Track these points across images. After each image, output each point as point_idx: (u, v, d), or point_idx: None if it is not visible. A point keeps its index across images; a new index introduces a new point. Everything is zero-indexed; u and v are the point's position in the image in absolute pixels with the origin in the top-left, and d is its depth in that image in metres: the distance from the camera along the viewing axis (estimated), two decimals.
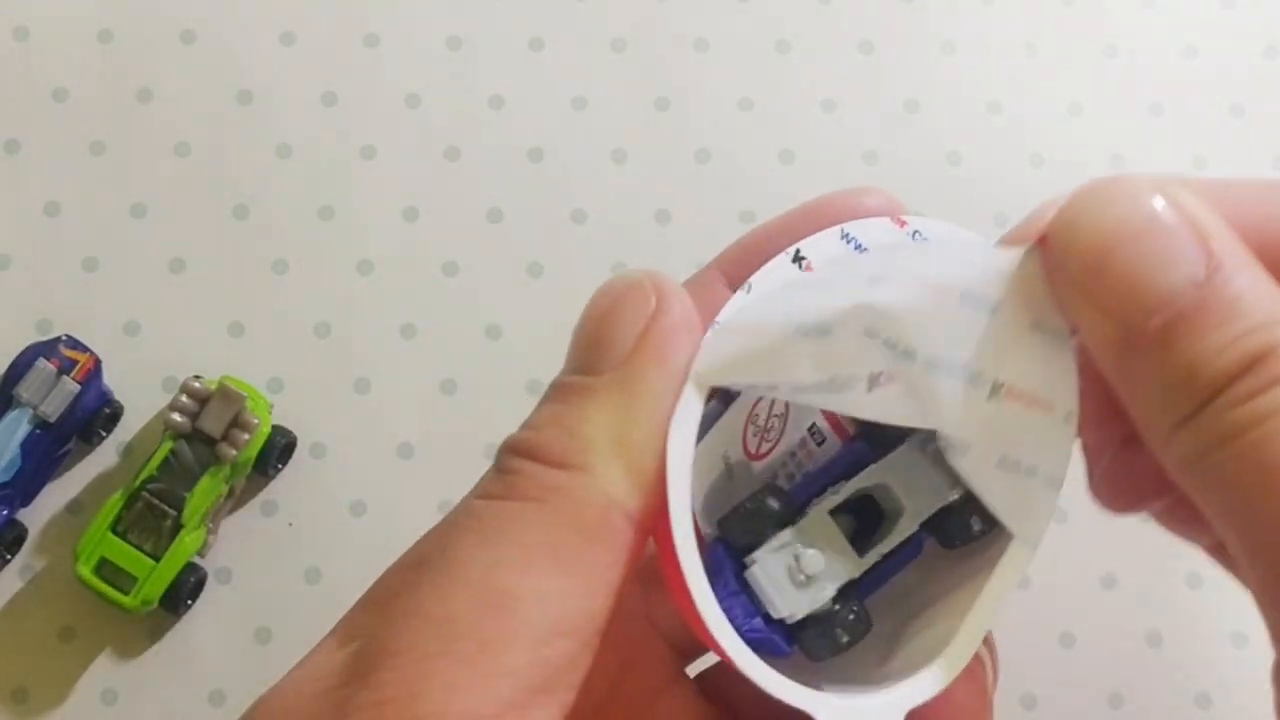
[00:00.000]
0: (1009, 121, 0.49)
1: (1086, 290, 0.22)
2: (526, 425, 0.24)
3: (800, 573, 0.24)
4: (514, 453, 0.23)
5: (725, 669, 0.24)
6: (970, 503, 0.26)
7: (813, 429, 0.26)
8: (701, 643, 0.23)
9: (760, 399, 0.25)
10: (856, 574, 0.25)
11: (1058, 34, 0.50)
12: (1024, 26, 0.50)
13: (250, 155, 0.47)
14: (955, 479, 0.25)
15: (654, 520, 0.23)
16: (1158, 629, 0.44)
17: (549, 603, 0.21)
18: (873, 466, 0.25)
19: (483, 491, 0.23)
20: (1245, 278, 0.21)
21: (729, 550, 0.24)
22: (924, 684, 0.24)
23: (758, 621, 0.24)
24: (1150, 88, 0.50)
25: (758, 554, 0.24)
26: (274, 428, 0.43)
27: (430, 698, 0.20)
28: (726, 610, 0.24)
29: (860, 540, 0.25)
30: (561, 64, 0.48)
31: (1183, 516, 0.28)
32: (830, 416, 0.26)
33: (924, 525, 0.26)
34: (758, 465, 0.25)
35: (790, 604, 0.24)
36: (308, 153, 0.47)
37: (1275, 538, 0.21)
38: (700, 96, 0.48)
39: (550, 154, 0.47)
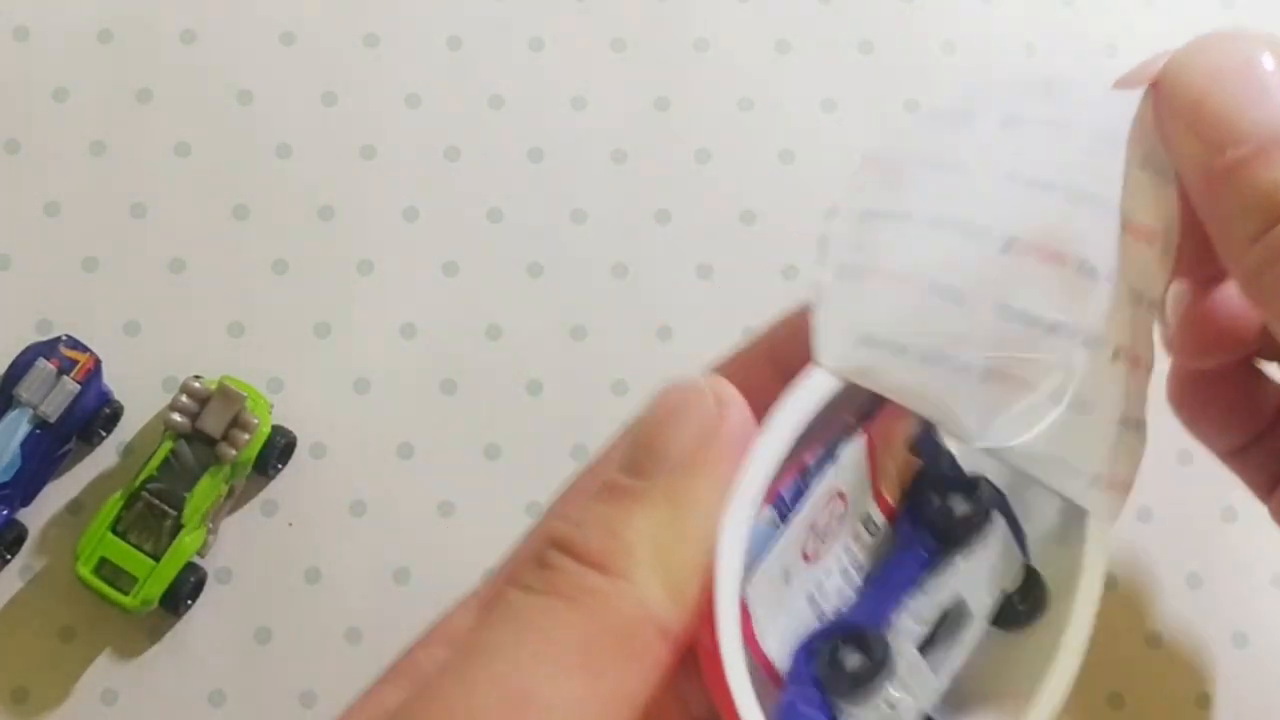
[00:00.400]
0: None
1: (1187, 122, 0.25)
2: (569, 519, 0.23)
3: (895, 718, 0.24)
4: (556, 547, 0.23)
5: None
6: (1030, 581, 0.26)
7: (866, 519, 0.25)
8: None
9: (822, 507, 0.25)
10: (936, 700, 0.25)
11: (1058, 34, 0.50)
12: (1024, 26, 0.50)
13: (250, 155, 0.47)
14: (1014, 562, 0.26)
15: (694, 639, 0.22)
16: (1157, 629, 0.44)
17: (572, 709, 0.21)
18: (951, 580, 0.25)
19: (522, 584, 0.23)
20: None
21: (821, 693, 0.24)
22: None
23: None
24: None
25: (857, 709, 0.24)
26: (274, 428, 0.43)
27: None
28: None
29: (929, 648, 0.25)
30: (561, 64, 0.48)
31: (1224, 399, 0.32)
32: (882, 502, 0.26)
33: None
34: (814, 566, 0.25)
35: None
36: (308, 153, 0.47)
37: None
38: (700, 96, 0.48)
39: (550, 154, 0.47)
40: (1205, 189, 0.25)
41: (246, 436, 0.41)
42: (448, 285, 0.46)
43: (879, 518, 0.26)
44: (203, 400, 0.42)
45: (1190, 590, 0.45)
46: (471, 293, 0.46)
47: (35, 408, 0.42)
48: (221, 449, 0.41)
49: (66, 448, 0.43)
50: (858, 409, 0.25)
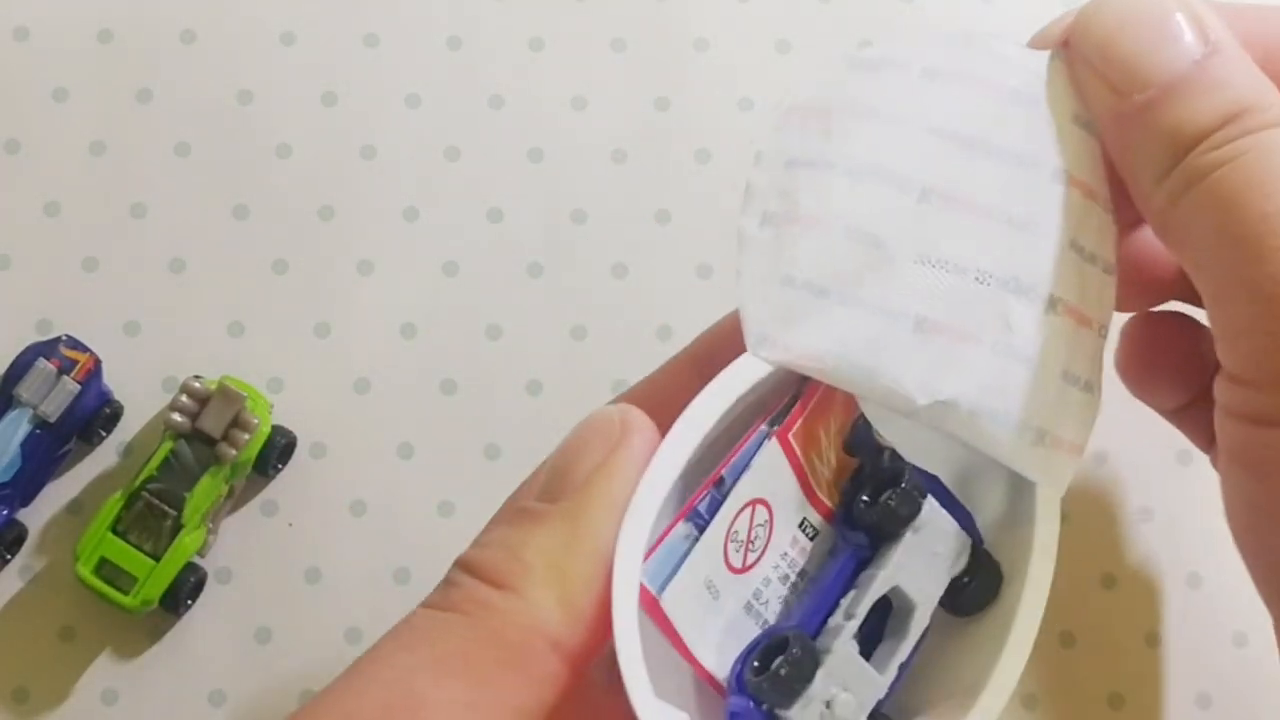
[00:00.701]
0: None
1: (1096, 68, 0.25)
2: (477, 543, 0.24)
3: (833, 718, 0.24)
4: (460, 567, 0.24)
5: None
6: (979, 563, 0.26)
7: (803, 524, 0.26)
8: None
9: (739, 515, 0.25)
10: (882, 693, 0.25)
11: None
12: (1024, 26, 0.50)
13: (250, 155, 0.47)
14: (959, 546, 0.25)
15: (590, 654, 0.23)
16: (1157, 629, 0.44)
17: (455, 711, 0.21)
18: (882, 571, 0.25)
19: (427, 602, 0.23)
20: (1237, 63, 0.24)
21: (757, 704, 0.24)
22: None
23: None
24: None
25: (792, 712, 0.24)
26: (274, 428, 0.43)
27: None
28: None
29: (873, 638, 0.25)
30: (561, 64, 0.48)
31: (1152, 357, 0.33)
32: (819, 505, 0.26)
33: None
34: (746, 576, 0.25)
35: None
36: (308, 153, 0.47)
37: (1235, 261, 0.23)
38: (700, 96, 0.48)
39: (550, 154, 0.47)
40: (1115, 133, 0.25)
41: (246, 436, 0.41)
42: (448, 285, 0.46)
43: (816, 519, 0.26)
44: (203, 400, 0.42)
45: (1190, 590, 0.45)
46: (471, 293, 0.46)
47: (35, 408, 0.42)
48: (221, 449, 0.41)
49: (66, 448, 0.43)
50: (775, 416, 0.25)
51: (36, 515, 0.43)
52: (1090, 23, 0.26)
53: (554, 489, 0.24)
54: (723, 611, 0.25)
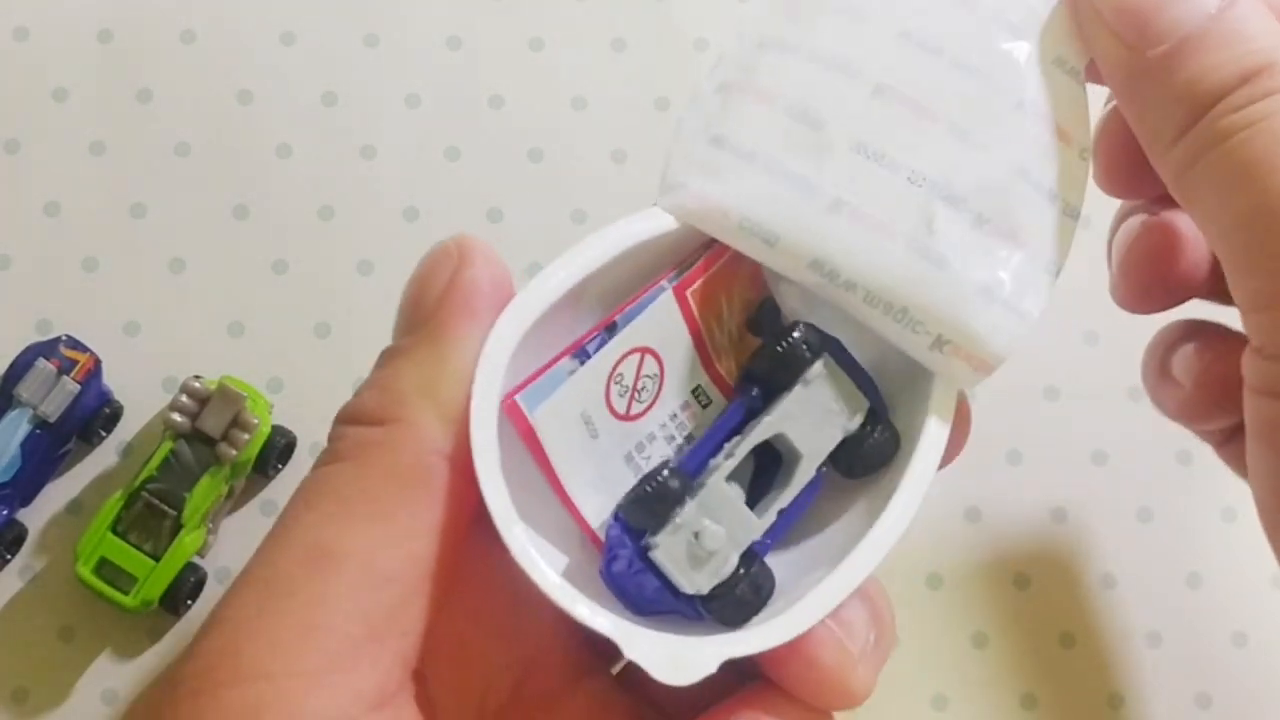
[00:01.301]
0: None
1: (1107, 21, 0.24)
2: (353, 396, 0.24)
3: (702, 549, 0.24)
4: (339, 421, 0.24)
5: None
6: (875, 425, 0.26)
7: (697, 390, 0.26)
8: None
9: (624, 358, 0.25)
10: (757, 535, 0.25)
11: None
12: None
13: (250, 155, 0.47)
14: (855, 406, 0.25)
15: (466, 458, 0.23)
16: (1157, 628, 0.44)
17: (369, 553, 0.22)
18: (767, 417, 0.25)
19: (318, 462, 0.24)
20: (1256, 15, 0.23)
21: (627, 530, 0.24)
22: (757, 638, 0.23)
23: (667, 596, 0.24)
24: None
25: (659, 537, 0.24)
26: (274, 428, 0.43)
27: (254, 657, 0.21)
28: (636, 588, 0.24)
29: (761, 490, 0.25)
30: (561, 64, 0.48)
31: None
32: (718, 378, 0.26)
33: (829, 458, 0.25)
34: (630, 425, 0.25)
35: (695, 582, 0.24)
36: (308, 153, 0.47)
37: (1257, 232, 0.22)
38: None
39: (550, 154, 0.47)
40: (1128, 90, 0.25)
41: (246, 436, 0.41)
42: None
43: (712, 391, 0.26)
44: (203, 400, 0.42)
45: (1190, 590, 0.45)
46: None
47: (35, 408, 0.42)
48: (221, 449, 0.41)
49: (66, 448, 0.43)
50: (677, 274, 0.25)
51: (36, 515, 0.43)
52: None
53: (410, 321, 0.24)
54: (600, 453, 0.25)
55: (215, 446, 0.41)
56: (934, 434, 0.25)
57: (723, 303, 0.26)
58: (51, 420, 0.42)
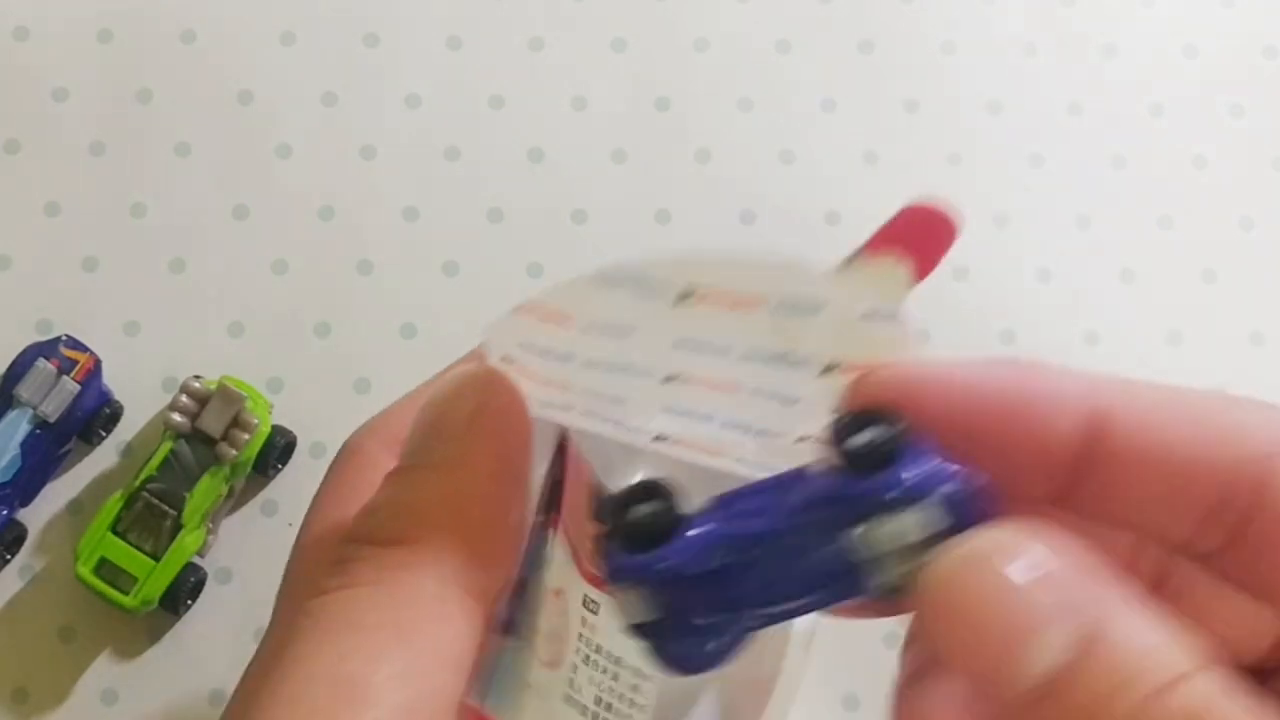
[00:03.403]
0: (1009, 122, 0.49)
1: (960, 660, 0.20)
2: (363, 512, 0.23)
3: None
4: (352, 541, 0.23)
5: None
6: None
7: (585, 601, 0.26)
8: None
9: (544, 608, 0.25)
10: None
11: (1058, 34, 0.50)
12: (1024, 26, 0.50)
13: (250, 155, 0.47)
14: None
15: (496, 590, 0.23)
16: None
17: (398, 684, 0.21)
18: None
19: (318, 589, 0.22)
20: (1134, 634, 0.19)
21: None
22: None
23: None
24: (1150, 87, 0.50)
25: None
26: (274, 428, 0.43)
27: None
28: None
29: None
30: (561, 64, 0.48)
31: None
32: (592, 578, 0.26)
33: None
34: (553, 671, 0.26)
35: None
36: (308, 153, 0.47)
37: None
38: (700, 96, 0.48)
39: (550, 154, 0.47)
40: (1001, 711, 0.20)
41: (246, 436, 0.41)
42: (448, 285, 0.46)
43: (594, 594, 0.26)
44: (203, 400, 0.42)
45: None
46: (471, 292, 0.46)
47: (35, 408, 0.42)
48: (221, 449, 0.41)
49: (66, 448, 0.43)
50: (545, 503, 0.25)
51: (36, 515, 0.43)
52: (938, 607, 0.19)
53: (429, 443, 0.24)
54: (550, 711, 0.25)
55: (215, 446, 0.41)
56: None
57: (581, 508, 0.26)
58: (51, 420, 0.42)
